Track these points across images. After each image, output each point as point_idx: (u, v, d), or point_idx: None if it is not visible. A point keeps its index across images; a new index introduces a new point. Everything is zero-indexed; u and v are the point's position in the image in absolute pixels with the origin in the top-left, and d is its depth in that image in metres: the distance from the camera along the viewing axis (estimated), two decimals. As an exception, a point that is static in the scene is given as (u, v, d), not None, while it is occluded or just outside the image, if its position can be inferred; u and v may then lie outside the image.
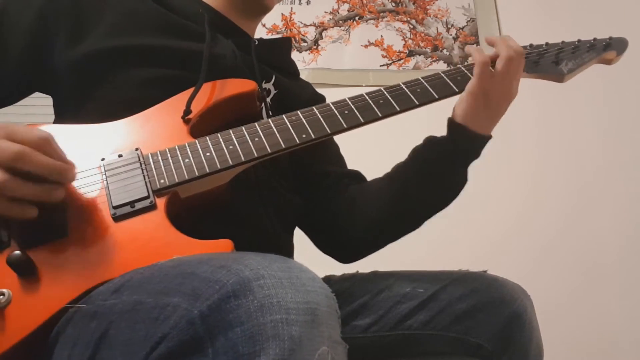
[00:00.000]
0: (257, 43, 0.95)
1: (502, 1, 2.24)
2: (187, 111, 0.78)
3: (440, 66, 2.17)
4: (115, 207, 0.67)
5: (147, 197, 0.68)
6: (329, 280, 0.92)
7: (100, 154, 0.72)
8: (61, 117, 0.86)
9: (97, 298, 0.56)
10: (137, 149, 0.73)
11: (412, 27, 2.22)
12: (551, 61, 0.89)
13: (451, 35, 2.22)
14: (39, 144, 0.60)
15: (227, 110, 0.81)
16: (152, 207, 0.67)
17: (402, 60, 2.17)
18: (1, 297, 0.58)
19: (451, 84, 0.84)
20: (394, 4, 2.25)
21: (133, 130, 0.76)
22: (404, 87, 0.83)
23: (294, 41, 2.13)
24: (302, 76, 1.08)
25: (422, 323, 0.83)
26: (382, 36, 2.20)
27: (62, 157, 0.62)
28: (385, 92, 0.82)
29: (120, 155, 0.72)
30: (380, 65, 2.15)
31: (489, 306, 0.81)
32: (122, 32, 0.83)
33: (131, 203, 0.67)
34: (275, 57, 0.99)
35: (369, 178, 1.00)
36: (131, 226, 0.66)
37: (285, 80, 0.97)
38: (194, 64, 0.83)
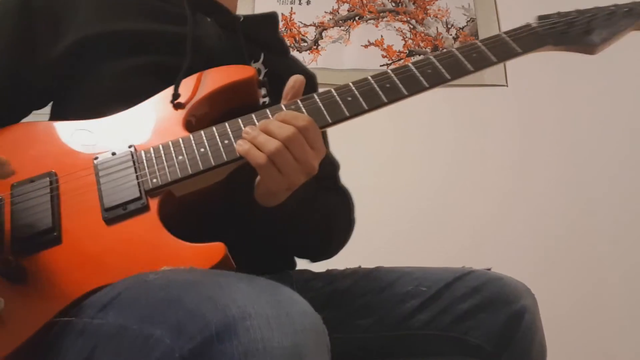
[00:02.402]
0: (242, 19, 0.91)
1: (502, 1, 2.24)
2: (176, 95, 0.75)
3: (441, 66, 2.16)
4: (107, 210, 0.66)
5: (139, 199, 0.67)
6: (330, 275, 0.90)
7: (93, 152, 0.71)
8: (55, 115, 0.85)
9: (85, 313, 0.55)
10: (130, 146, 0.71)
11: (412, 27, 2.22)
12: (582, 30, 0.80)
13: (451, 35, 2.22)
14: None
15: (224, 100, 0.78)
16: (145, 209, 0.66)
17: (402, 60, 2.17)
18: None
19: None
20: (394, 4, 2.25)
21: (127, 126, 0.74)
22: (412, 67, 0.76)
23: (293, 41, 2.13)
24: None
25: (423, 323, 0.82)
26: (382, 36, 2.19)
27: None
28: (392, 74, 0.75)
29: (113, 154, 0.71)
30: (380, 65, 2.15)
31: (490, 305, 0.80)
32: (100, 19, 0.81)
33: (123, 205, 0.66)
34: (263, 34, 0.95)
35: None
36: (123, 230, 0.65)
37: (274, 59, 0.93)
38: (178, 48, 0.80)
